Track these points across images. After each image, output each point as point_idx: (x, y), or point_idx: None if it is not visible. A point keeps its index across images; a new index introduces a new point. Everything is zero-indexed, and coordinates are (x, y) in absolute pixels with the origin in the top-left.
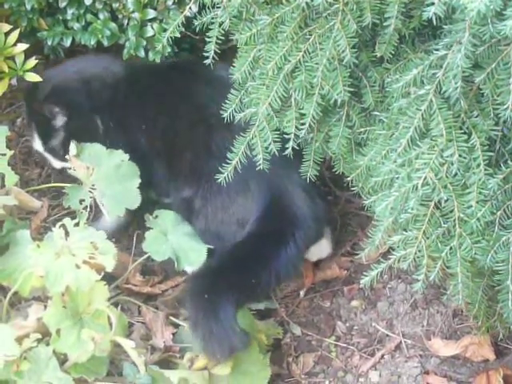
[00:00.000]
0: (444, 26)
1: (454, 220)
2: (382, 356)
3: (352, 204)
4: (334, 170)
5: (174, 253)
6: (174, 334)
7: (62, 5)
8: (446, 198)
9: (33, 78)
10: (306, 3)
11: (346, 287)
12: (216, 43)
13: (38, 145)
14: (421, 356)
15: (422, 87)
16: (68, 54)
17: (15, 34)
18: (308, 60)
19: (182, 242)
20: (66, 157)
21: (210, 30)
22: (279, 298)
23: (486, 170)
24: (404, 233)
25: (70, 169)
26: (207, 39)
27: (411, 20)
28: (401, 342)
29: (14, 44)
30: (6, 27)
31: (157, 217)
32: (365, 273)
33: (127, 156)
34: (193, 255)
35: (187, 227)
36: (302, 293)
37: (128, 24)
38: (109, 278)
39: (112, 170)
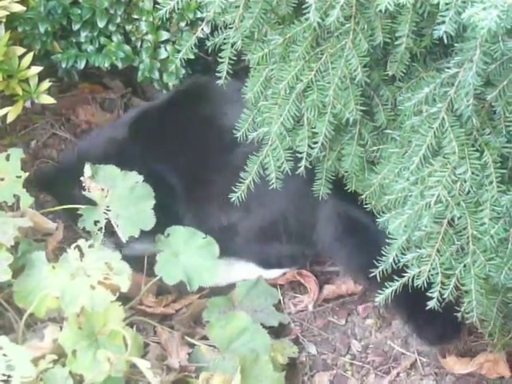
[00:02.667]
0: (455, 44)
1: (468, 237)
2: (398, 374)
3: None
4: (346, 188)
5: (186, 274)
6: (189, 354)
7: (76, 27)
8: (459, 216)
9: (46, 100)
10: (318, 23)
11: (360, 305)
12: (228, 63)
13: None
14: (436, 374)
15: (434, 105)
16: (82, 76)
17: (29, 57)
18: (320, 79)
19: (195, 260)
20: (81, 179)
21: (223, 50)
22: (292, 314)
23: (498, 187)
24: (418, 250)
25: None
26: (220, 60)
27: (422, 38)
28: (416, 359)
29: (28, 67)
30: (20, 50)
31: (168, 235)
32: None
33: (141, 178)
34: (206, 274)
35: (200, 240)
36: (310, 306)
37: (141, 46)
38: (123, 299)
39: (126, 191)
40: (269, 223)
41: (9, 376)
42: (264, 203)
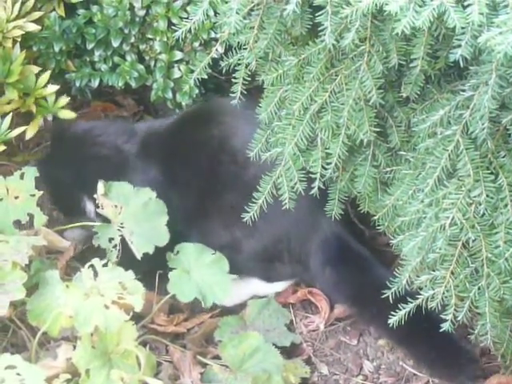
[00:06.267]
0: (470, 67)
1: (482, 260)
2: None
3: (376, 241)
4: (359, 209)
5: (200, 291)
6: (201, 374)
7: (90, 46)
8: (473, 238)
9: (66, 115)
10: (333, 45)
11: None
12: (242, 83)
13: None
14: None
15: (448, 127)
16: (94, 94)
17: (46, 76)
18: (334, 100)
19: (207, 276)
20: (95, 196)
21: (236, 70)
22: (304, 333)
23: None
24: (432, 272)
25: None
26: (234, 80)
27: (437, 61)
28: (428, 381)
29: (45, 85)
30: (35, 69)
31: (178, 252)
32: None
33: (154, 194)
34: (218, 290)
35: (210, 256)
36: (321, 326)
37: (155, 65)
38: (135, 317)
39: (140, 208)
40: (272, 242)
41: None
42: (268, 221)
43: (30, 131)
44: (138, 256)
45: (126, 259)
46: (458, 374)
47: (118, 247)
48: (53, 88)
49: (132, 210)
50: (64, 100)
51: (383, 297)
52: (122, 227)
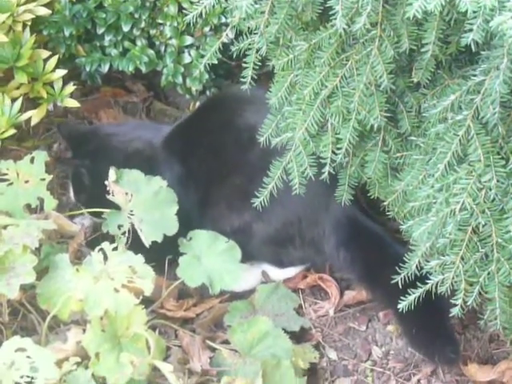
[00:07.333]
0: (482, 52)
1: (492, 245)
2: (419, 381)
3: (386, 227)
4: (369, 195)
5: (209, 277)
6: (210, 358)
7: (100, 31)
8: (483, 223)
9: (71, 103)
10: (344, 29)
11: (381, 312)
12: (253, 69)
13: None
14: (457, 381)
15: (459, 113)
16: (104, 79)
17: (54, 60)
18: (345, 85)
19: (217, 264)
20: (106, 182)
21: (247, 55)
22: (313, 319)
23: None
24: (441, 257)
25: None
26: (244, 65)
27: (448, 46)
28: (437, 366)
29: (53, 70)
30: (45, 53)
31: (191, 239)
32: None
33: (165, 183)
34: (228, 277)
35: (223, 244)
36: (331, 312)
37: (165, 51)
38: (144, 302)
39: (150, 196)
40: (284, 225)
41: (32, 378)
42: (280, 205)
43: (36, 117)
44: (147, 244)
45: (138, 247)
46: (434, 353)
47: (127, 234)
48: (61, 72)
49: (142, 198)
50: (70, 88)
51: (394, 281)
52: (132, 214)
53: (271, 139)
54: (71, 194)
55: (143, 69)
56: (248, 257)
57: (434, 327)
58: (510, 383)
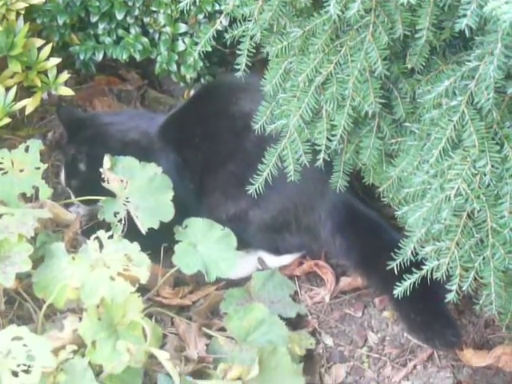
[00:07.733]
0: (476, 38)
1: (487, 230)
2: (415, 366)
3: (381, 213)
4: (363, 181)
5: (204, 264)
6: (207, 345)
7: (94, 19)
8: (478, 209)
9: (65, 91)
10: (338, 16)
11: (377, 298)
12: (247, 56)
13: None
14: (453, 366)
15: (454, 98)
16: (98, 68)
17: (48, 49)
18: (339, 72)
19: (213, 251)
20: (101, 170)
21: (241, 43)
22: (309, 306)
23: None
24: (437, 243)
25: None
26: (238, 52)
27: (442, 32)
28: (433, 352)
29: (47, 58)
30: (39, 42)
31: (187, 227)
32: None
33: (160, 169)
34: (223, 265)
35: (218, 232)
36: (326, 298)
37: (159, 38)
38: (140, 290)
39: (145, 182)
40: (280, 212)
41: (29, 366)
42: (275, 192)
43: (30, 106)
44: (143, 230)
45: (134, 234)
46: (434, 337)
47: (123, 221)
48: (55, 61)
49: (137, 185)
50: (64, 76)
51: (389, 267)
52: (128, 202)
53: (266, 126)
54: (62, 177)
55: (137, 57)
56: (244, 244)
57: (432, 312)
58: (506, 368)
